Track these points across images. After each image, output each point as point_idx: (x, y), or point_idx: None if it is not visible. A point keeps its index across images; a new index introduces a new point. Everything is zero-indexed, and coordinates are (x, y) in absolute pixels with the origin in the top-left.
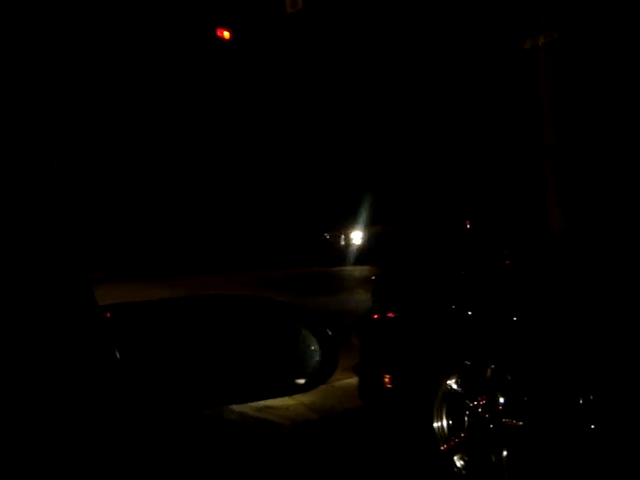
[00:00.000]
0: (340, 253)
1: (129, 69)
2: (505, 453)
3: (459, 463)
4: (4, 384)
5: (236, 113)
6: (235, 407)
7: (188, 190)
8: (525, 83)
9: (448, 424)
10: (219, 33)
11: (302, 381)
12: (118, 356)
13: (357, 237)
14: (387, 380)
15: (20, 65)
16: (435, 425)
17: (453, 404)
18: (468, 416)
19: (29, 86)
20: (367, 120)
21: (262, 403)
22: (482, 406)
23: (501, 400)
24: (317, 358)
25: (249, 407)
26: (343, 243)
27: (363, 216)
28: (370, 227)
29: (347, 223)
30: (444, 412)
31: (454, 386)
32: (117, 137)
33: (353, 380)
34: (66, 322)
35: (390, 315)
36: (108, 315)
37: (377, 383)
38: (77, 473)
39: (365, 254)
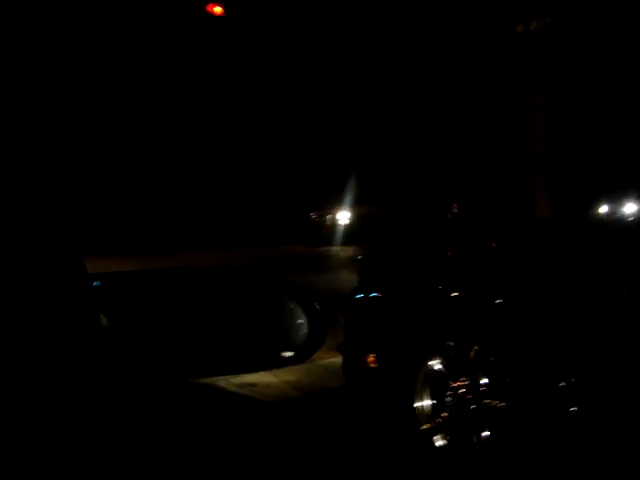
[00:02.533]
0: (326, 233)
1: (118, 47)
2: (486, 433)
3: (440, 442)
4: None
5: (226, 91)
6: (217, 383)
7: (185, 172)
8: (516, 69)
9: (431, 404)
10: (209, 8)
11: (289, 354)
12: (106, 323)
13: (344, 217)
14: (371, 359)
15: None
16: (417, 405)
17: (436, 384)
18: (450, 396)
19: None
20: (356, 99)
21: (244, 380)
22: (464, 387)
23: (484, 381)
24: (305, 331)
25: (230, 383)
26: (329, 223)
27: (350, 196)
28: (357, 207)
29: (334, 203)
30: (427, 392)
31: (437, 366)
32: (111, 121)
33: (337, 359)
34: (56, 288)
35: (375, 295)
36: (97, 283)
37: (361, 362)
38: (66, 439)
39: (351, 234)
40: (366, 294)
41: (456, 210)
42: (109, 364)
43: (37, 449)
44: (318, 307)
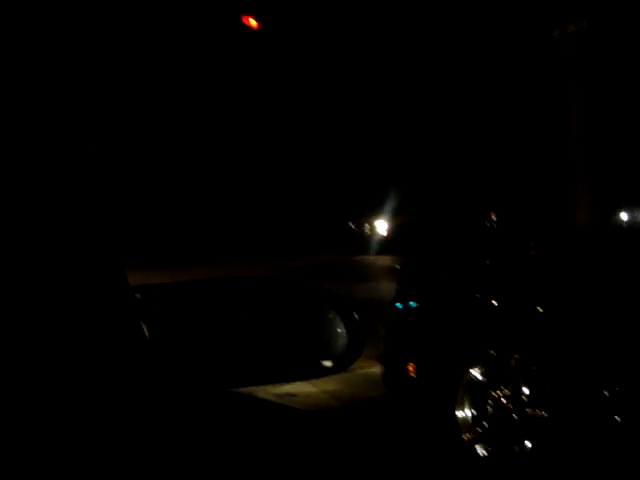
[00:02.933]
0: (363, 242)
1: (153, 55)
2: (528, 444)
3: (481, 452)
4: (40, 356)
5: (263, 101)
6: (257, 393)
7: (223, 181)
8: (554, 73)
9: (471, 413)
10: (245, 21)
11: (329, 363)
12: (147, 335)
13: (381, 226)
14: (411, 369)
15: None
16: (458, 414)
17: (477, 394)
18: (491, 406)
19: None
20: (393, 109)
21: (284, 390)
22: (506, 396)
23: (525, 390)
24: (344, 340)
25: (270, 394)
26: (367, 232)
27: (387, 205)
28: (394, 216)
29: (371, 212)
30: (467, 401)
31: (478, 376)
32: (139, 126)
33: (376, 369)
34: (99, 300)
35: (415, 304)
36: (138, 295)
37: (401, 372)
38: (110, 447)
39: (388, 243)
40: (405, 303)
41: (495, 218)
42: (152, 375)
43: (80, 456)
44: (357, 317)
